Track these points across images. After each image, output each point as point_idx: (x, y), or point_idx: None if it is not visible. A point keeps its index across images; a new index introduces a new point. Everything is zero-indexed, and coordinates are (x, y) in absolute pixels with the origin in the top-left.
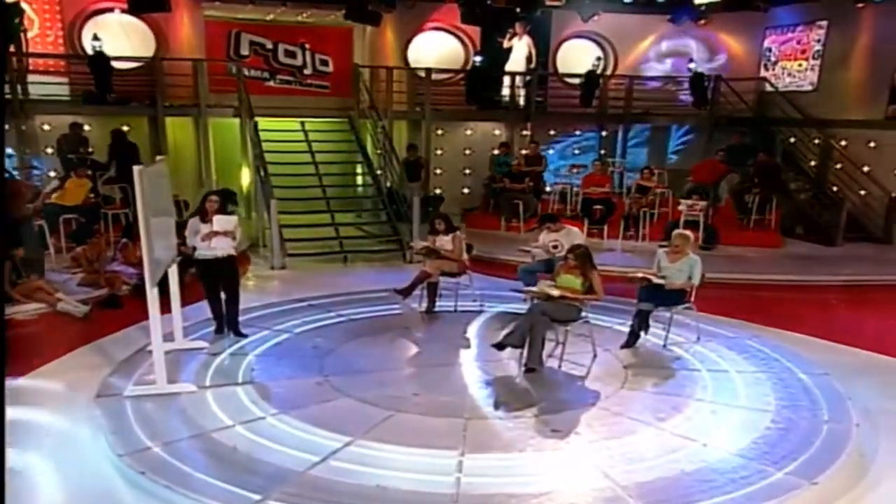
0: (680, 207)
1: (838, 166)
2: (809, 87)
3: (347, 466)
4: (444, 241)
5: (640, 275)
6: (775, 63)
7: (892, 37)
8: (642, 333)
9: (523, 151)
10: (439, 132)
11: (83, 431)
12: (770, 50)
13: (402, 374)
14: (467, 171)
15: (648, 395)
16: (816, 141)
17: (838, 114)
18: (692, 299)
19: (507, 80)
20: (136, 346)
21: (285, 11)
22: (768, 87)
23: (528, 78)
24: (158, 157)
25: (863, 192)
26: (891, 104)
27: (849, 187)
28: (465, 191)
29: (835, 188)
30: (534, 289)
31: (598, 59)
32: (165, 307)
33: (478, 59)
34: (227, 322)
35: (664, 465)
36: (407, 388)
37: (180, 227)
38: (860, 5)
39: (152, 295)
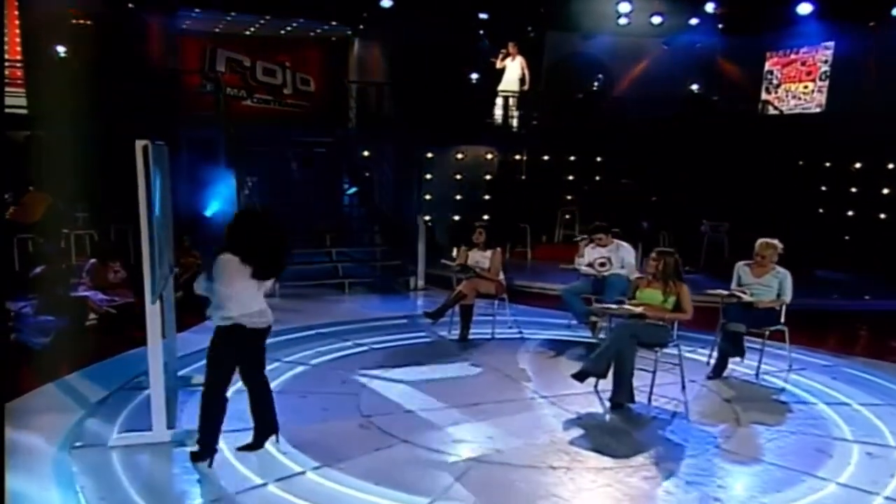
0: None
1: (853, 190)
2: (817, 109)
3: None
4: (481, 258)
5: (725, 292)
6: (778, 86)
7: None
8: (738, 359)
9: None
10: (428, 155)
11: (55, 496)
12: (772, 73)
13: (462, 414)
14: (458, 198)
15: (776, 435)
16: (827, 164)
17: (851, 135)
18: (783, 319)
19: (499, 101)
20: (115, 382)
21: (267, 24)
22: (772, 110)
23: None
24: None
25: (882, 216)
26: None
27: (866, 211)
28: (456, 217)
29: (850, 213)
30: (613, 306)
31: (599, 77)
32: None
33: (474, 76)
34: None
35: None
36: (475, 431)
37: None
38: (871, 24)
39: (153, 311)
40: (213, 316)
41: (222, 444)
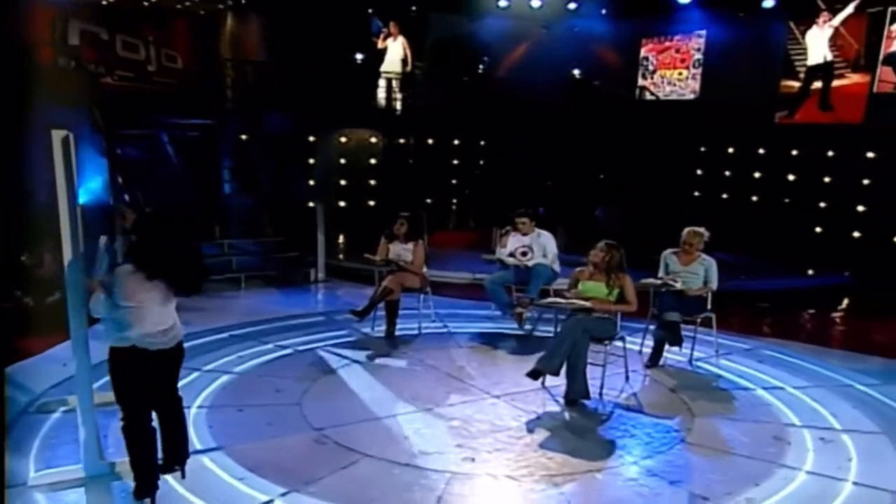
0: None
1: (727, 173)
2: (692, 96)
3: None
4: (403, 250)
5: (658, 281)
6: (654, 72)
7: (775, 44)
8: (676, 348)
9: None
10: (311, 138)
11: None
12: (647, 59)
13: (419, 421)
14: (343, 183)
15: (732, 424)
16: (703, 149)
17: (724, 121)
18: (709, 306)
19: (382, 82)
20: (12, 406)
21: None
22: (648, 96)
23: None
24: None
25: (754, 199)
26: (778, 111)
27: (740, 194)
28: (342, 204)
29: (724, 196)
30: (560, 300)
31: (484, 59)
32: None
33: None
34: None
35: None
36: (439, 439)
37: None
38: (741, 14)
39: (78, 325)
40: (108, 337)
41: (167, 476)
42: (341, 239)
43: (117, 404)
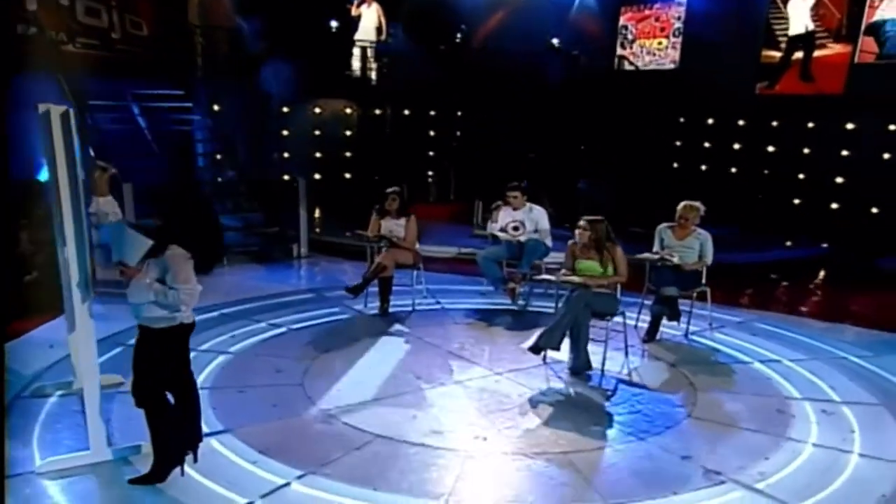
0: None
1: (707, 145)
2: (671, 66)
3: None
4: (395, 226)
5: (655, 256)
6: (633, 41)
7: (757, 13)
8: (674, 322)
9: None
10: (284, 109)
11: None
12: (626, 28)
13: (425, 399)
14: (318, 155)
15: (735, 398)
16: (682, 120)
17: (704, 92)
18: (704, 280)
19: (356, 51)
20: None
21: None
22: (627, 66)
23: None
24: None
25: (733, 170)
26: (758, 81)
27: (719, 166)
28: (317, 176)
29: (703, 167)
30: (551, 277)
31: (462, 28)
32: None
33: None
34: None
35: (849, 490)
36: (449, 418)
37: None
38: None
39: (81, 309)
40: (153, 319)
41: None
42: (317, 213)
43: (142, 383)
